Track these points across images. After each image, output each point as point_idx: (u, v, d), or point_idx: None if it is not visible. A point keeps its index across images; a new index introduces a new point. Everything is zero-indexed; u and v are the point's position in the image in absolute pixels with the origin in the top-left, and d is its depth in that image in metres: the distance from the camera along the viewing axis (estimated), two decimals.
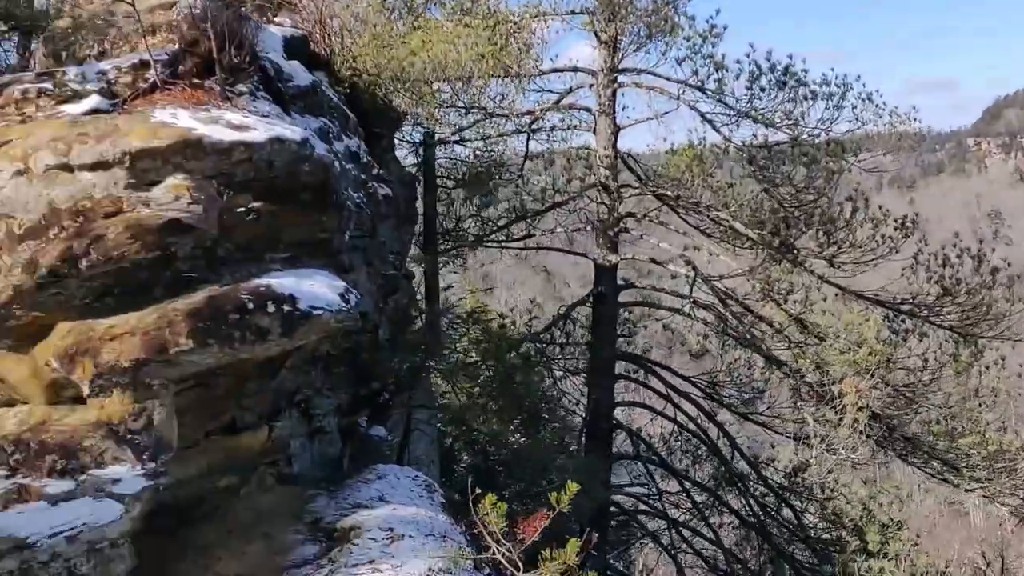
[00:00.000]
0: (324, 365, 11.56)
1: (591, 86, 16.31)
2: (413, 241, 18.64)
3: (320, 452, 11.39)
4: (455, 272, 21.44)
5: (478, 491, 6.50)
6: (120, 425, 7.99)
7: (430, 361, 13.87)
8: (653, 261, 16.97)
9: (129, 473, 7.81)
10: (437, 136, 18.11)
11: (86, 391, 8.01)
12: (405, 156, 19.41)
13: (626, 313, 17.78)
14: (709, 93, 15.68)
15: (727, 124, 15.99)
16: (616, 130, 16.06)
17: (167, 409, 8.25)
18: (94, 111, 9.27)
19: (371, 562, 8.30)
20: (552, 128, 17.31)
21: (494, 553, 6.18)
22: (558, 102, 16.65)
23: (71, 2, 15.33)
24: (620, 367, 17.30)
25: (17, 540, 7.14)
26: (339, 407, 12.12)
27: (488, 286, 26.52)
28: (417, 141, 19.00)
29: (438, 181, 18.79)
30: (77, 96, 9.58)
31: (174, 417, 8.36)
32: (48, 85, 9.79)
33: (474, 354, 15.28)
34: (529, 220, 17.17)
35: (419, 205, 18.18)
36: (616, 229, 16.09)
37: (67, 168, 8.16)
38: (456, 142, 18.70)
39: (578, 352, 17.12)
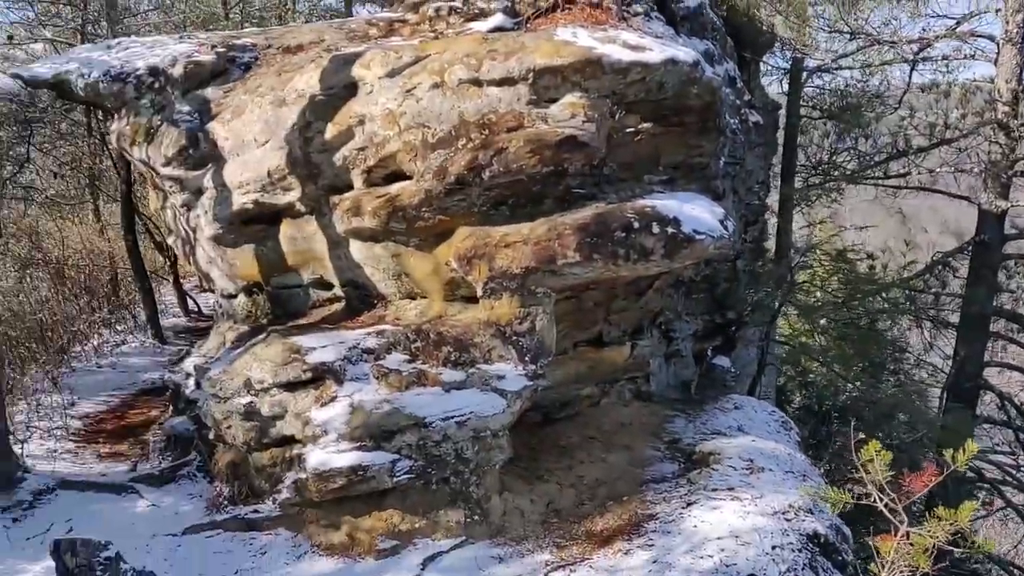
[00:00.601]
0: (686, 290, 11.63)
1: (998, 11, 14.57)
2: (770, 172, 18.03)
3: (675, 374, 11.55)
4: (802, 208, 20.47)
5: (860, 436, 6.20)
6: (507, 327, 8.57)
7: (789, 297, 13.41)
8: None
9: (512, 371, 8.39)
10: (809, 63, 17.14)
11: (479, 292, 8.66)
12: (770, 84, 18.69)
13: (1012, 265, 16.02)
14: None
15: None
16: (1023, 62, 14.28)
17: (548, 316, 8.72)
18: (498, 28, 9.75)
19: (730, 489, 8.32)
20: (944, 58, 15.75)
21: (874, 502, 5.87)
22: (954, 28, 15.07)
23: None
24: (996, 325, 15.76)
25: (417, 419, 8.00)
26: (695, 333, 12.18)
27: (837, 225, 25.04)
28: (784, 68, 18.17)
29: (803, 111, 17.89)
30: (483, 14, 10.13)
31: (554, 324, 8.81)
32: (458, 3, 10.45)
33: (833, 294, 14.54)
34: (911, 157, 15.84)
35: (780, 135, 17.49)
36: (1010, 172, 14.45)
37: (476, 83, 8.69)
38: (827, 70, 17.61)
39: (952, 304, 15.74)
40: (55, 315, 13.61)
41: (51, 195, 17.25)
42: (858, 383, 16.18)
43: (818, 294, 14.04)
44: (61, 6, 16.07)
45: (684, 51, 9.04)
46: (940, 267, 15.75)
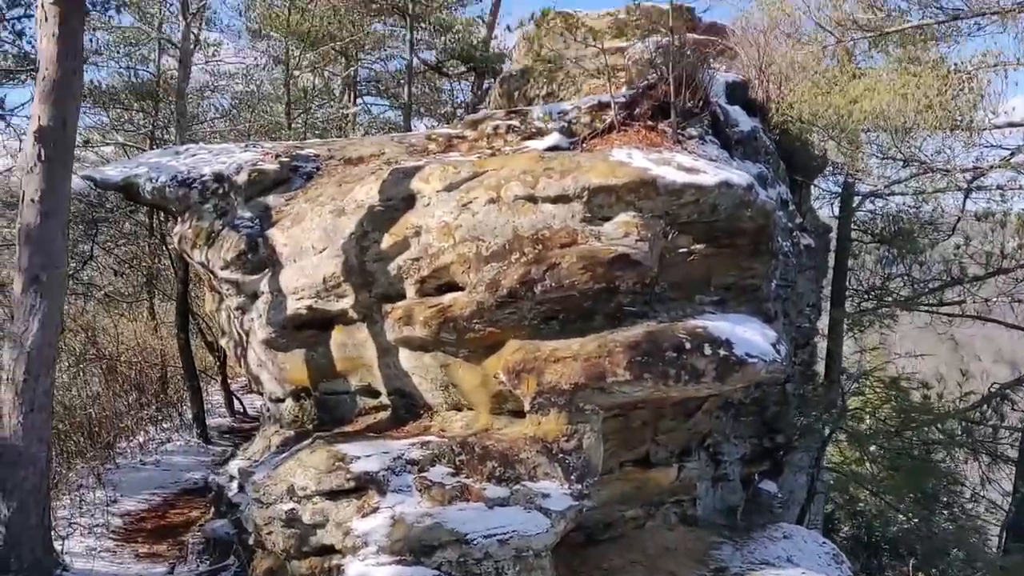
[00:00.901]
0: (735, 412, 11.42)
1: None
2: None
3: (722, 498, 11.24)
4: (853, 333, 20.25)
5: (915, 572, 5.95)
6: (554, 444, 8.46)
7: (840, 423, 13.13)
8: None
9: (558, 490, 8.22)
10: (862, 188, 17.22)
11: (527, 406, 8.59)
12: (820, 207, 18.77)
13: None
14: None
15: None
16: None
17: (596, 434, 8.60)
18: (554, 147, 10.01)
19: None
20: (997, 187, 15.74)
21: None
22: (1008, 159, 15.07)
23: (523, 48, 16.84)
24: None
25: (458, 535, 7.82)
26: (743, 456, 11.91)
27: (886, 350, 24.64)
28: (833, 191, 18.28)
29: (853, 236, 17.90)
30: (540, 133, 10.42)
31: (601, 443, 8.68)
32: (516, 122, 10.77)
33: (886, 421, 14.19)
34: (967, 285, 15.68)
35: (830, 259, 17.44)
36: None
37: (532, 199, 8.85)
38: (879, 195, 17.68)
39: (1012, 438, 15.28)
40: (104, 411, 13.75)
41: (109, 292, 17.70)
42: (910, 515, 15.64)
43: (868, 421, 13.70)
44: (133, 112, 16.81)
45: (738, 174, 9.15)
46: (998, 399, 15.35)
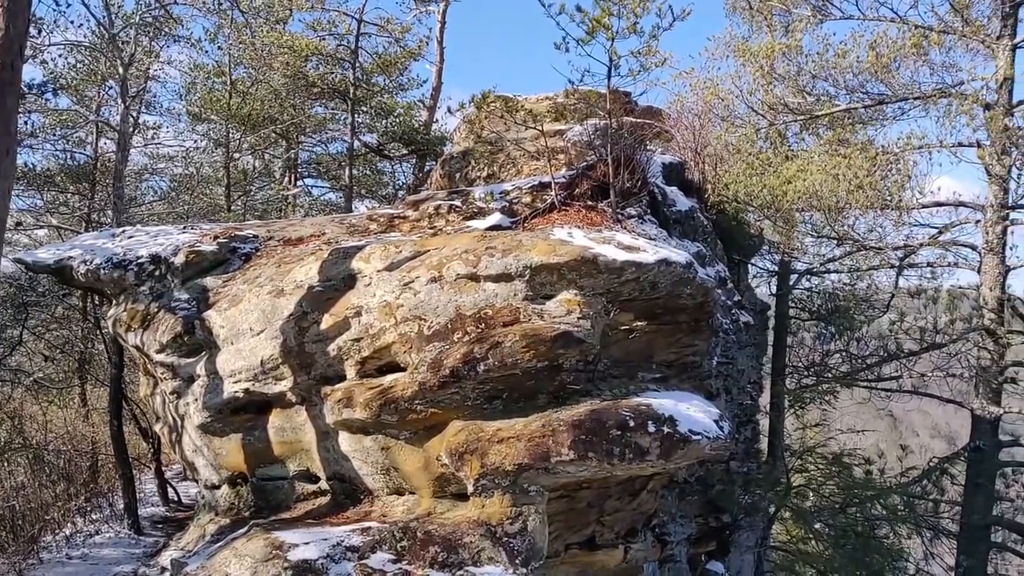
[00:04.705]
0: (679, 491, 11.38)
1: (977, 222, 15.10)
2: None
3: None
4: (795, 410, 20.46)
5: None
6: (498, 526, 8.28)
7: (786, 500, 13.14)
8: None
9: (503, 574, 8.01)
10: (799, 266, 17.63)
11: (470, 488, 8.42)
12: (757, 285, 19.13)
13: (1012, 472, 15.81)
14: None
15: None
16: (1005, 271, 14.65)
17: (541, 516, 8.45)
18: (496, 227, 10.06)
19: None
20: (928, 264, 16.20)
21: None
22: (937, 237, 15.56)
23: (464, 130, 17.07)
24: (999, 535, 15.36)
25: None
26: (689, 536, 11.83)
27: (827, 426, 24.91)
28: (770, 269, 18.68)
29: (791, 312, 18.24)
30: (481, 213, 10.48)
31: (546, 525, 8.52)
32: (457, 202, 10.82)
33: (830, 497, 14.23)
34: (903, 360, 15.98)
35: (769, 336, 17.70)
36: (1000, 379, 14.53)
37: (474, 278, 8.83)
38: (815, 273, 18.11)
39: (952, 512, 15.40)
40: (29, 502, 13.15)
41: (38, 378, 17.14)
42: None
43: (812, 498, 13.70)
44: (68, 195, 16.56)
45: (677, 252, 9.27)
46: (937, 473, 15.53)
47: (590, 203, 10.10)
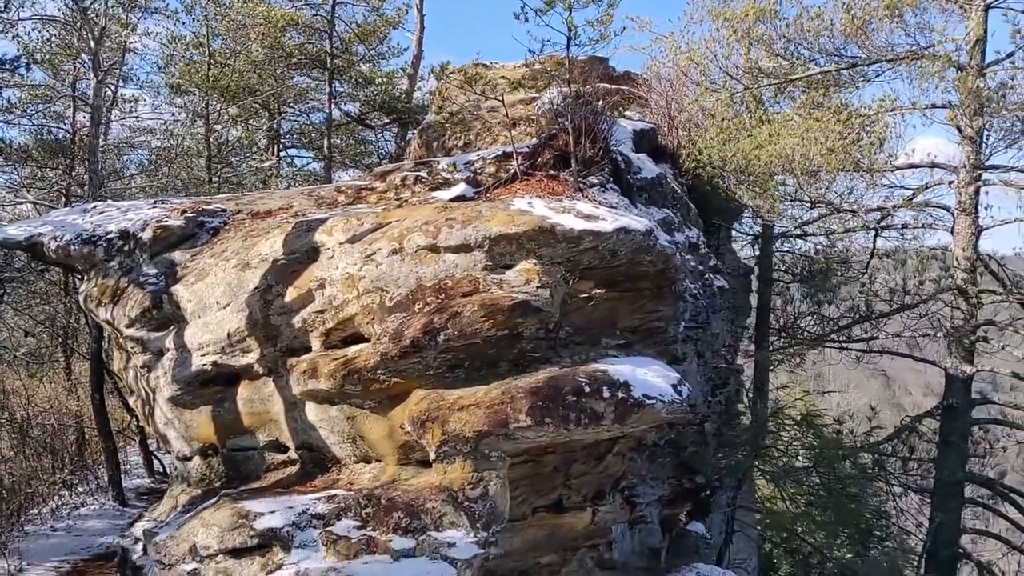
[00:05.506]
0: (649, 454, 11.52)
1: (950, 183, 15.13)
2: (745, 335, 18.24)
3: (640, 541, 11.28)
4: (790, 371, 20.61)
5: None
6: (459, 492, 8.45)
7: (757, 462, 13.30)
8: (1016, 376, 15.15)
9: (464, 539, 8.20)
10: (777, 229, 17.68)
11: (432, 455, 8.58)
12: (741, 248, 19.18)
13: (980, 431, 15.98)
14: None
15: None
16: (977, 231, 14.70)
17: (502, 481, 8.61)
18: (460, 198, 10.13)
19: None
20: (903, 226, 16.23)
21: None
22: (911, 199, 15.58)
23: (443, 97, 17.06)
24: (970, 490, 15.58)
25: None
26: (661, 498, 11.99)
27: (820, 387, 25.06)
28: (754, 234, 18.72)
29: (775, 275, 18.32)
30: (447, 184, 10.54)
31: (507, 489, 8.69)
32: (423, 173, 10.89)
33: (801, 458, 14.41)
34: (874, 322, 16.09)
35: (752, 299, 17.80)
36: (972, 338, 14.65)
37: (434, 249, 8.92)
38: (796, 236, 18.15)
39: (922, 469, 15.60)
40: (13, 476, 13.36)
41: (22, 354, 17.27)
42: (844, 550, 15.80)
43: (784, 459, 13.87)
44: (47, 170, 16.58)
45: (637, 220, 9.35)
46: (907, 432, 15.71)
47: (552, 172, 10.15)
